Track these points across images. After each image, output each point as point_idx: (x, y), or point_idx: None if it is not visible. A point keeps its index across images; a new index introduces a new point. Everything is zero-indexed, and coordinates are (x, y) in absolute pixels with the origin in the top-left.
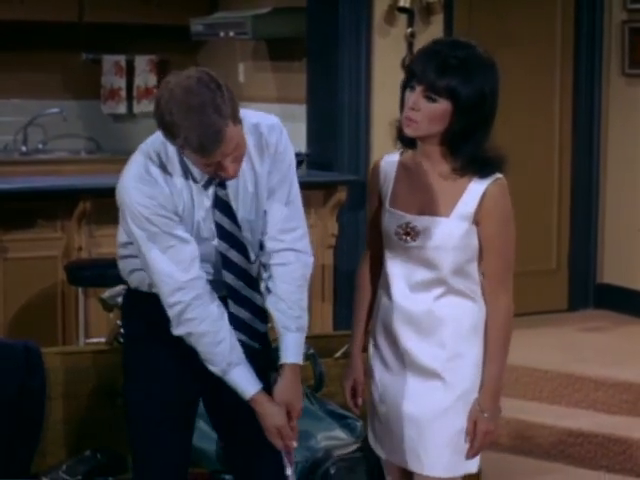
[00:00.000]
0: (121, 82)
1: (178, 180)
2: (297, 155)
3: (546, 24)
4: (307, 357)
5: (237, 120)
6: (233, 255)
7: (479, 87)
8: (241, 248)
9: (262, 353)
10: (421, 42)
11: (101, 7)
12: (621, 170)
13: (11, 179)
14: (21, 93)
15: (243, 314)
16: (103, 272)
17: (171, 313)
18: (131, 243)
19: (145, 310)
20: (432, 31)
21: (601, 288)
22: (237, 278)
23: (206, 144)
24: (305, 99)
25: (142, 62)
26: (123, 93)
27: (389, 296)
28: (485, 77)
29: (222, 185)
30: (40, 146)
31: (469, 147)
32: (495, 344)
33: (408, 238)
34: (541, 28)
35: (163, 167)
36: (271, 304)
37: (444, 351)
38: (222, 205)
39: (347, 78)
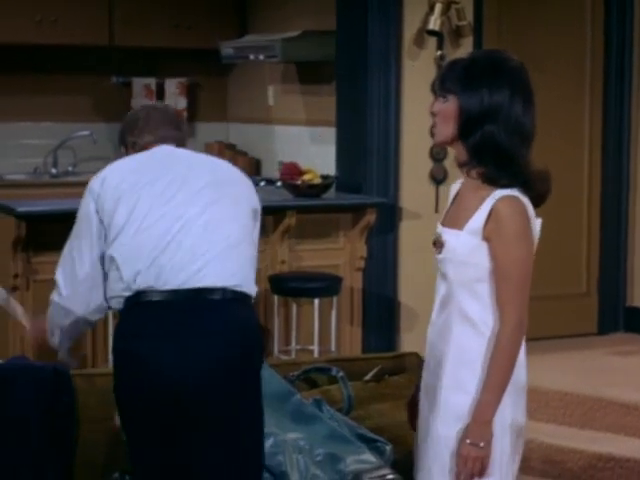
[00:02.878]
0: None
1: None
2: (326, 177)
3: (576, 47)
4: (336, 380)
5: None
6: None
7: (479, 83)
8: None
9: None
10: None
11: (132, 31)
12: None
13: (41, 201)
14: (51, 116)
15: None
16: None
17: None
18: None
19: None
20: (461, 54)
21: (631, 311)
22: None
23: None
24: (334, 122)
25: (172, 85)
26: None
27: None
28: (492, 76)
29: None
30: (70, 168)
31: (474, 139)
32: (490, 371)
33: (435, 250)
34: (571, 51)
35: None
36: None
37: (444, 377)
38: None
39: (376, 101)
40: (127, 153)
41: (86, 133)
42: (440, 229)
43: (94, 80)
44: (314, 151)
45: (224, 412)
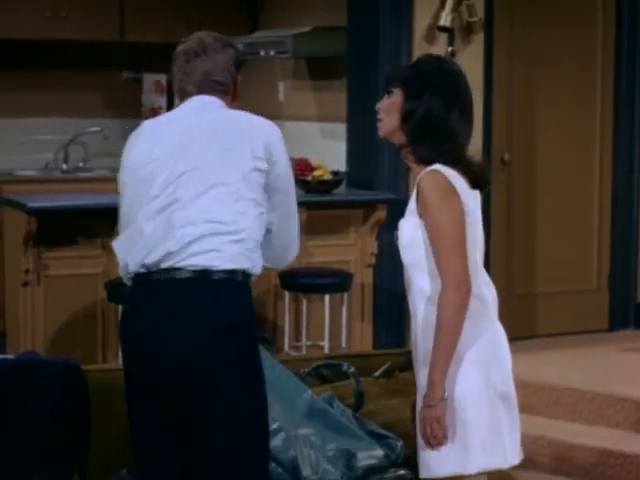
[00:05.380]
0: (161, 101)
1: None
2: (337, 173)
3: (587, 43)
4: (347, 376)
5: None
6: None
7: (424, 75)
8: None
9: None
10: (461, 61)
11: (142, 26)
12: None
13: (52, 197)
14: (62, 111)
15: None
16: None
17: None
18: None
19: None
20: (472, 50)
21: None
22: None
23: None
24: (345, 118)
25: None
26: (163, 112)
27: None
28: (433, 71)
29: None
30: (81, 164)
31: (414, 119)
32: (435, 335)
33: (397, 243)
34: (582, 47)
35: None
36: None
37: (418, 354)
38: None
39: None
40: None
41: (97, 129)
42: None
43: (105, 76)
44: (325, 147)
45: (210, 390)
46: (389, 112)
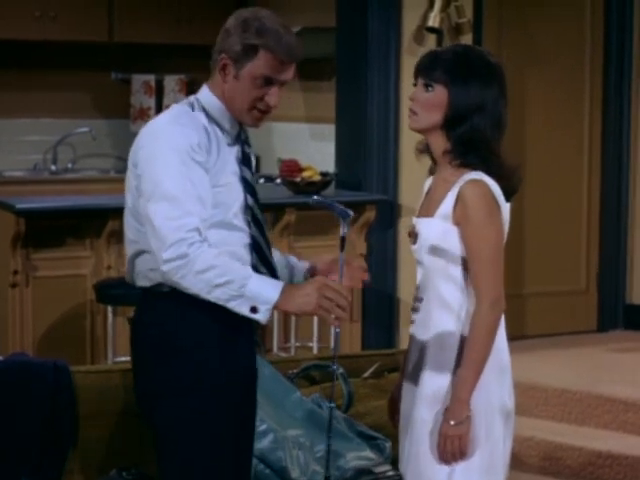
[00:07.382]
0: (150, 102)
1: (213, 133)
2: (326, 174)
3: (575, 44)
4: (336, 377)
5: None
6: (257, 212)
7: (471, 77)
8: (260, 205)
9: None
10: None
11: (131, 27)
12: None
13: (40, 198)
14: (51, 112)
15: (264, 271)
16: (132, 291)
17: (188, 250)
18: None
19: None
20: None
21: (630, 309)
22: (260, 235)
23: (291, 52)
24: (334, 119)
25: (171, 82)
26: (152, 112)
27: None
28: (484, 72)
29: (247, 143)
30: (69, 165)
31: (462, 129)
32: (468, 349)
33: (410, 241)
34: (570, 47)
35: (198, 117)
36: None
37: (426, 360)
38: (248, 161)
39: (376, 98)
40: None
41: (85, 130)
42: (414, 221)
43: (93, 76)
44: (314, 148)
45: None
46: (428, 108)
